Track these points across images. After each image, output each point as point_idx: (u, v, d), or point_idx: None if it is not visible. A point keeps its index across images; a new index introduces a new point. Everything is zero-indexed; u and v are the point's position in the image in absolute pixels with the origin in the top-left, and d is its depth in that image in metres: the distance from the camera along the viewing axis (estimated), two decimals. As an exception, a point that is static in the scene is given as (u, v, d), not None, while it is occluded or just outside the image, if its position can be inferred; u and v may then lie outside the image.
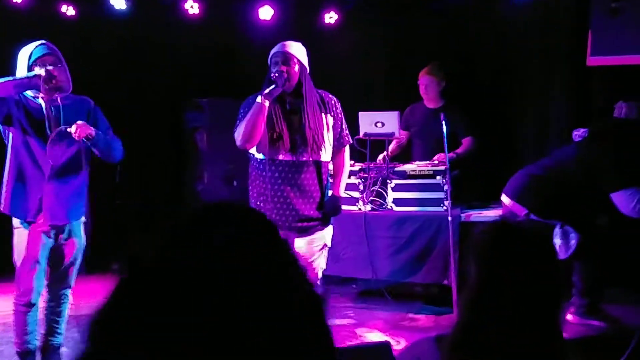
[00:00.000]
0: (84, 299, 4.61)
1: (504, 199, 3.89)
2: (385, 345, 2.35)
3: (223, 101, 5.71)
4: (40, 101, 3.06)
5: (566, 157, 3.78)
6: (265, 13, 5.83)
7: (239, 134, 3.30)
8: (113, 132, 3.27)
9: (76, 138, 2.99)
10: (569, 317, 4.03)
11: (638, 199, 3.49)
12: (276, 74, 3.22)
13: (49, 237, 3.09)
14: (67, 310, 3.30)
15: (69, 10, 5.54)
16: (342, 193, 3.59)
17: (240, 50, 5.98)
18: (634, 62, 4.59)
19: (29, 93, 3.04)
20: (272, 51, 3.37)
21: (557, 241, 3.58)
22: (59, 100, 3.07)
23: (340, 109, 3.52)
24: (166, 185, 6.10)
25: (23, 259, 3.05)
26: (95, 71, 5.53)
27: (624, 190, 3.52)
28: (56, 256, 3.14)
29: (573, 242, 3.54)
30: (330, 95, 3.48)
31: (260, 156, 3.36)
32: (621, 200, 3.53)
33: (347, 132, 3.58)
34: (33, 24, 5.33)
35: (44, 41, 3.08)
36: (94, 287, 5.07)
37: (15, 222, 3.11)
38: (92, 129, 3.05)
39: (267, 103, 3.23)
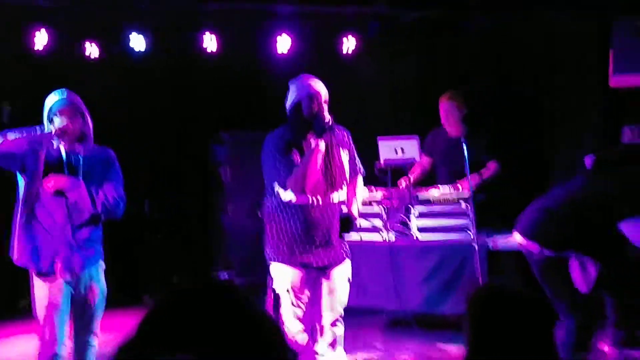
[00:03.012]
0: (113, 333, 4.66)
1: (516, 236, 3.73)
2: None
3: (244, 133, 5.77)
4: (62, 150, 3.10)
5: (575, 186, 3.62)
6: (284, 45, 5.89)
7: (294, 182, 3.25)
8: (122, 188, 3.22)
9: (46, 189, 2.98)
10: (606, 349, 3.90)
11: None
12: (328, 120, 3.24)
13: (69, 286, 3.09)
14: (94, 357, 3.30)
15: (92, 53, 5.66)
16: (356, 213, 3.55)
17: (259, 82, 6.04)
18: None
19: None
20: (301, 89, 3.35)
21: (577, 275, 3.43)
22: (80, 150, 3.11)
23: (351, 140, 3.53)
24: (193, 218, 6.16)
25: (45, 310, 3.04)
26: (118, 111, 5.64)
27: (632, 218, 3.38)
28: (78, 305, 3.13)
29: (592, 273, 3.39)
30: (342, 129, 3.48)
31: (290, 197, 3.35)
32: (632, 228, 3.38)
33: (360, 163, 3.58)
34: (56, 67, 5.47)
35: (64, 91, 3.11)
36: (124, 320, 5.11)
37: (33, 274, 3.10)
38: (69, 185, 3.00)
39: (322, 147, 3.24)
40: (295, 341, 3.41)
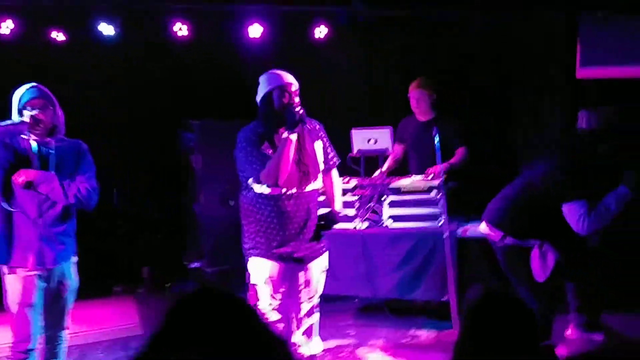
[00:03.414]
0: (85, 325, 4.63)
1: (482, 225, 3.82)
2: None
3: (215, 123, 5.73)
4: (33, 143, 3.04)
5: (535, 174, 3.68)
6: (255, 31, 5.85)
7: (267, 175, 3.27)
8: (95, 180, 3.18)
9: (16, 183, 2.94)
10: (569, 332, 4.04)
11: (582, 212, 3.37)
12: (300, 112, 3.25)
13: (41, 280, 3.04)
14: (64, 351, 3.28)
15: (59, 36, 5.54)
16: (339, 208, 3.61)
17: (230, 69, 5.99)
18: (622, 74, 4.63)
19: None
20: (271, 81, 3.36)
21: (536, 264, 3.52)
22: (51, 143, 3.06)
23: (324, 131, 3.56)
24: (164, 207, 6.10)
25: (18, 306, 3.00)
26: (88, 97, 5.55)
27: (571, 202, 3.44)
28: (49, 299, 3.09)
29: (550, 262, 3.49)
30: (314, 121, 3.50)
31: (264, 190, 3.36)
32: (567, 212, 3.47)
33: (334, 153, 3.61)
34: (24, 53, 5.34)
35: (34, 84, 3.06)
36: (96, 312, 5.08)
37: (4, 268, 3.05)
38: (40, 178, 2.96)
39: (294, 138, 3.26)
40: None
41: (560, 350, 3.64)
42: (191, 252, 5.89)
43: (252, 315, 1.06)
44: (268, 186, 3.32)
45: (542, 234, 3.54)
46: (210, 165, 5.78)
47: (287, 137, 3.26)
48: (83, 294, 3.33)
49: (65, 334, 3.25)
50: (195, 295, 1.07)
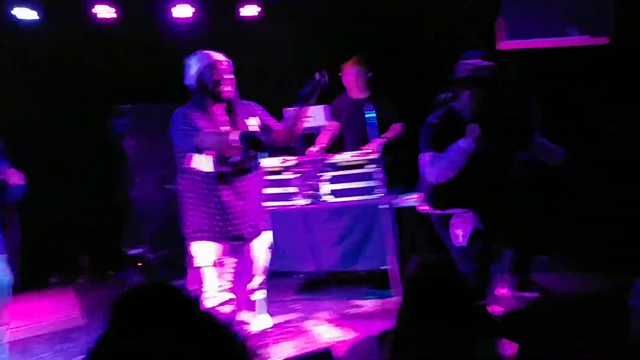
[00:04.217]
0: (25, 319, 4.49)
1: (416, 197, 3.99)
2: (326, 352, 2.43)
3: (146, 106, 5.62)
4: None
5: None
6: (183, 11, 5.75)
7: (202, 141, 3.18)
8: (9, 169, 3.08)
9: None
10: (503, 291, 4.29)
11: (427, 162, 3.55)
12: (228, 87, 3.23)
13: None
14: (5, 347, 3.19)
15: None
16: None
17: (160, 51, 5.86)
18: (542, 46, 4.88)
19: None
20: (200, 60, 3.34)
21: (458, 230, 3.70)
22: None
23: (260, 107, 3.57)
24: (98, 194, 5.94)
25: None
26: (9, 87, 5.31)
27: (421, 153, 3.60)
28: None
29: (469, 228, 3.68)
30: (247, 102, 3.51)
31: (206, 168, 3.35)
32: (419, 163, 3.63)
33: (275, 120, 3.59)
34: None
35: None
36: (33, 305, 4.94)
37: None
38: None
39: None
40: (223, 313, 3.47)
41: (496, 309, 3.86)
42: (129, 238, 5.79)
43: (197, 307, 1.10)
44: (207, 155, 3.28)
45: (460, 202, 3.72)
46: (144, 149, 5.67)
47: (222, 109, 3.27)
48: (20, 287, 3.26)
49: (3, 330, 3.17)
50: (145, 289, 1.11)
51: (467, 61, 3.69)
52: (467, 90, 3.62)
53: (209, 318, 1.06)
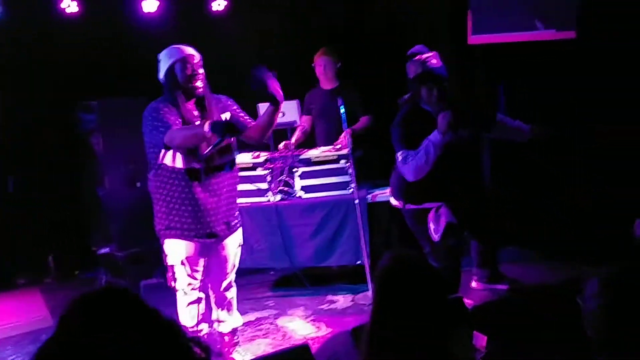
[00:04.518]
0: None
1: (388, 194, 4.03)
2: (304, 347, 2.43)
3: (114, 101, 5.52)
4: None
5: None
6: (150, 6, 5.65)
7: (172, 138, 3.13)
8: None
9: None
10: (474, 284, 4.35)
11: (402, 159, 3.63)
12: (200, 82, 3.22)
13: None
14: None
15: None
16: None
17: (127, 47, 5.76)
18: (510, 40, 4.93)
19: None
20: (172, 55, 3.29)
21: (431, 225, 3.75)
22: None
23: (233, 102, 3.54)
24: (66, 193, 5.82)
25: None
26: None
27: (397, 152, 3.69)
28: None
29: (442, 223, 3.73)
30: (219, 96, 3.48)
31: (177, 165, 3.29)
32: (396, 161, 3.71)
33: (248, 116, 3.57)
34: None
35: None
36: (1, 307, 4.83)
37: None
38: None
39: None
40: (197, 311, 3.44)
41: (468, 302, 3.91)
42: (98, 237, 5.68)
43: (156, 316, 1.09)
44: (178, 151, 3.23)
45: (432, 196, 3.76)
46: (112, 146, 5.56)
47: (194, 105, 3.22)
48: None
49: None
50: (99, 295, 1.10)
51: (414, 59, 3.75)
52: (422, 87, 3.70)
53: (159, 320, 1.06)
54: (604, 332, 1.56)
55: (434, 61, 3.74)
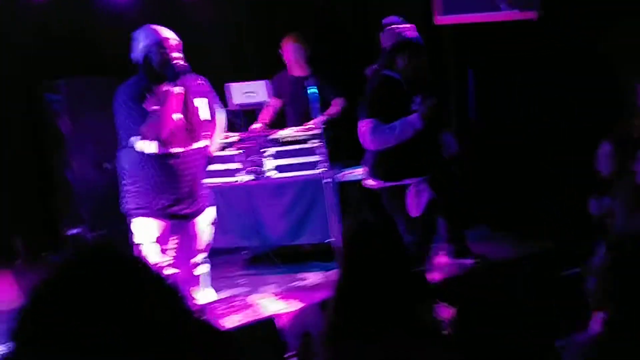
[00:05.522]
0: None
1: (363, 173, 4.05)
2: (269, 321, 2.48)
3: (81, 80, 5.45)
4: None
5: None
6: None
7: (149, 130, 3.21)
8: None
9: None
10: (442, 259, 4.46)
11: (367, 128, 3.62)
12: (180, 65, 3.22)
13: None
14: None
15: None
16: (214, 149, 3.62)
17: (95, 27, 5.67)
18: (475, 20, 5.01)
19: None
20: (148, 37, 3.26)
21: (411, 201, 3.80)
22: None
23: (209, 85, 3.55)
24: (33, 177, 5.74)
25: None
26: None
27: (361, 120, 3.68)
28: None
29: (423, 199, 3.78)
30: (199, 77, 3.48)
31: (150, 150, 3.29)
32: (359, 128, 3.71)
33: (220, 102, 3.62)
34: None
35: None
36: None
37: None
38: None
39: (178, 90, 3.21)
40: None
41: (435, 276, 4.01)
42: (68, 219, 5.64)
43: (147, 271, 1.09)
44: (154, 144, 3.25)
45: (411, 172, 3.81)
46: (80, 127, 5.49)
47: (169, 89, 3.21)
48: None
49: None
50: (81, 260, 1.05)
51: (389, 28, 3.73)
52: (398, 57, 3.67)
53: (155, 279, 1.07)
54: (610, 284, 1.72)
55: (411, 32, 3.74)
